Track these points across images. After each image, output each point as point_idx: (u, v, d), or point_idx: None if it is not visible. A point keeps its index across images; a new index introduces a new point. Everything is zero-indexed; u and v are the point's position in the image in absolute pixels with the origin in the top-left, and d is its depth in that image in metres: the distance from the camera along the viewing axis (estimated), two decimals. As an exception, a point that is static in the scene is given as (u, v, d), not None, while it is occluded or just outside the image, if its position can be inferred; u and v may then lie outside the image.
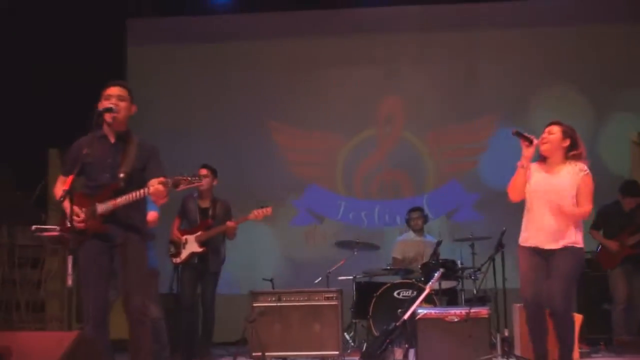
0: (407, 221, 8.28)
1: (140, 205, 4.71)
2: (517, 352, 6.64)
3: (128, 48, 9.58)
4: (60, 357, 3.43)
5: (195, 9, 9.44)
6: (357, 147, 9.53)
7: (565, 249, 5.08)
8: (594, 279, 7.69)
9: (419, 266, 7.63)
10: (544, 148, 5.22)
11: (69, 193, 4.32)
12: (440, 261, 7.37)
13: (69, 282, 4.28)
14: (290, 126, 9.55)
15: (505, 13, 9.38)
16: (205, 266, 7.15)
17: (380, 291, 7.27)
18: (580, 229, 5.19)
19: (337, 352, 6.77)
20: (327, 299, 6.88)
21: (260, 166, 9.34)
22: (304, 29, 9.60)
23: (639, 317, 7.40)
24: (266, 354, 6.57)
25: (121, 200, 4.54)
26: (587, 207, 5.14)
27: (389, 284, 7.33)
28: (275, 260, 9.10)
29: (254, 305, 6.88)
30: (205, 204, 7.30)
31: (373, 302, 7.23)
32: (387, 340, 6.41)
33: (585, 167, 5.19)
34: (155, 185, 4.47)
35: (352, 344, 7.43)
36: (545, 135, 5.25)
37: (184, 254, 7.14)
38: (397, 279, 7.54)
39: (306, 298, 6.90)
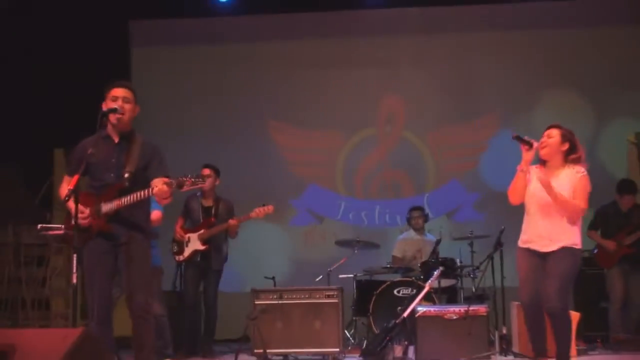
0: (408, 220, 8.30)
1: (144, 205, 4.72)
2: (515, 349, 6.66)
3: (131, 49, 9.59)
4: (65, 354, 3.43)
5: (197, 11, 9.44)
6: (357, 146, 9.49)
7: (562, 250, 5.08)
8: (592, 278, 7.70)
9: (419, 264, 7.64)
10: (543, 152, 5.21)
11: (74, 192, 4.33)
12: (440, 259, 7.38)
13: (74, 280, 4.28)
14: (290, 126, 9.53)
15: (504, 15, 9.35)
16: (208, 264, 7.17)
17: (380, 289, 7.28)
18: (578, 230, 5.18)
19: (337, 349, 6.77)
20: (328, 296, 6.88)
21: (261, 166, 9.31)
22: (304, 31, 9.59)
23: (635, 316, 7.40)
24: (268, 350, 6.58)
25: (125, 199, 4.55)
26: (580, 203, 5.12)
27: (389, 282, 7.34)
28: (276, 258, 9.09)
29: (256, 302, 6.87)
30: (208, 203, 7.32)
31: (373, 299, 7.24)
32: (387, 338, 6.41)
33: (583, 170, 5.18)
34: (159, 185, 4.47)
35: (353, 341, 7.44)
36: (544, 139, 5.23)
37: (187, 252, 7.16)
38: (397, 277, 7.55)
39: (307, 296, 6.90)
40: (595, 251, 7.61)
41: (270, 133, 9.51)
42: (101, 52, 8.60)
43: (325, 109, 9.45)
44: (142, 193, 4.53)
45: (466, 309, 6.50)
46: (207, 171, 7.18)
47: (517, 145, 5.23)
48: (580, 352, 6.61)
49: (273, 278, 7.68)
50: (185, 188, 4.55)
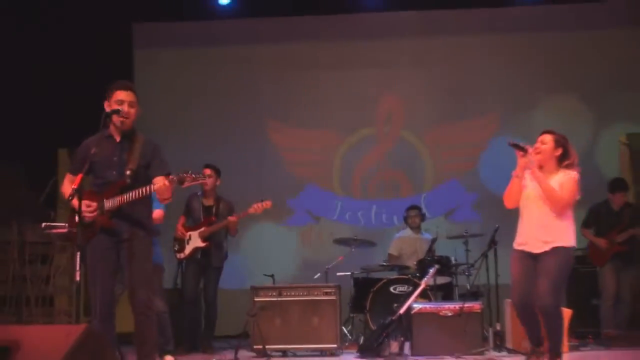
0: (405, 219, 8.31)
1: (146, 202, 4.73)
2: (509, 345, 6.66)
3: (134, 51, 9.59)
4: (68, 350, 3.43)
5: (198, 14, 9.45)
6: (355, 146, 9.46)
7: (554, 250, 5.11)
8: (583, 275, 7.72)
9: (415, 262, 7.64)
10: (537, 158, 5.24)
11: (78, 191, 4.34)
12: (436, 258, 7.39)
13: (77, 277, 4.29)
14: (289, 126, 9.50)
15: (502, 18, 9.33)
16: (208, 261, 7.18)
17: (377, 286, 7.28)
18: (572, 230, 5.21)
19: (335, 345, 6.78)
20: (326, 294, 6.89)
21: (260, 166, 9.29)
22: (303, 34, 9.58)
23: (625, 312, 7.43)
24: (267, 346, 6.59)
25: (127, 196, 4.56)
26: (564, 195, 5.14)
27: (385, 280, 7.34)
28: (275, 257, 9.08)
29: (255, 299, 6.88)
30: (209, 202, 7.33)
31: (370, 297, 7.24)
32: (384, 334, 6.44)
33: (575, 173, 5.20)
34: (160, 182, 4.49)
35: (350, 337, 7.44)
36: (538, 144, 5.27)
37: (188, 249, 7.17)
38: (394, 275, 7.55)
39: (306, 293, 6.91)
40: (588, 249, 7.62)
41: (269, 133, 9.50)
42: (104, 54, 8.61)
43: (323, 110, 9.43)
44: (143, 190, 4.54)
45: (461, 306, 6.52)
46: (208, 171, 7.18)
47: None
48: (572, 348, 6.62)
49: (272, 276, 7.68)
50: (186, 184, 4.56)
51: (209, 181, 7.18)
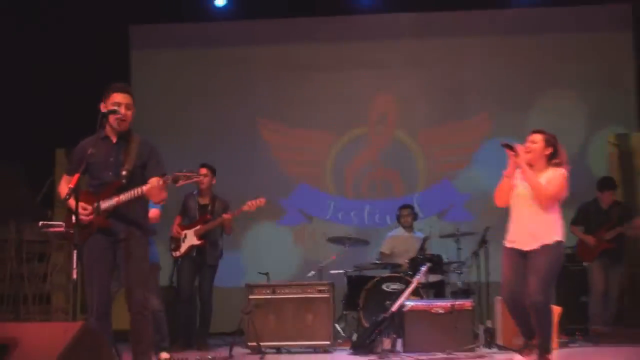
0: (398, 218, 8.32)
1: (142, 202, 4.73)
2: (499, 342, 6.68)
3: (131, 52, 9.58)
4: (65, 347, 3.44)
5: (195, 15, 9.44)
6: (348, 146, 9.42)
7: (543, 247, 5.15)
8: (572, 273, 7.76)
9: (407, 261, 7.66)
10: (527, 157, 5.28)
11: (75, 191, 4.34)
12: (427, 256, 7.41)
13: (74, 275, 4.29)
14: (283, 126, 9.47)
15: (496, 20, 9.33)
16: (203, 259, 7.19)
17: (370, 284, 7.29)
18: (559, 226, 5.25)
19: (328, 342, 6.80)
20: (320, 291, 6.91)
21: (255, 166, 9.25)
22: (299, 35, 9.56)
23: (612, 309, 7.47)
24: (261, 343, 6.60)
25: (123, 197, 4.56)
26: (551, 189, 5.18)
27: (378, 278, 7.35)
28: (270, 255, 9.08)
29: (250, 297, 6.90)
30: (205, 200, 7.34)
31: (363, 294, 7.25)
32: (376, 331, 6.45)
33: (564, 171, 5.24)
34: (152, 183, 4.49)
35: (343, 334, 7.44)
36: (528, 144, 5.32)
37: (184, 247, 7.18)
38: (386, 273, 7.56)
39: (300, 291, 6.93)
40: (577, 246, 7.65)
41: (263, 133, 9.46)
42: (102, 55, 8.60)
43: (317, 110, 9.40)
44: (136, 191, 4.54)
45: (452, 303, 6.54)
46: (204, 170, 7.20)
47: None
48: (561, 345, 6.65)
49: (267, 274, 7.69)
50: (181, 182, 4.56)
51: (205, 180, 7.19)
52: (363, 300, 7.23)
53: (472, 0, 9.03)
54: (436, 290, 7.56)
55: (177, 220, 7.35)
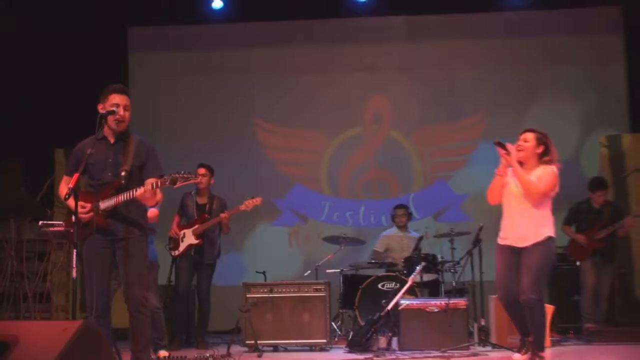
0: (393, 217, 8.31)
1: (140, 202, 4.71)
2: (493, 340, 6.69)
3: (129, 54, 9.56)
4: (65, 345, 3.42)
5: (192, 18, 9.42)
6: (342, 146, 9.37)
7: (536, 245, 5.18)
8: (565, 273, 7.77)
9: (402, 260, 7.65)
10: (520, 155, 5.30)
11: (74, 191, 4.33)
12: (422, 255, 7.40)
13: (74, 274, 4.28)
14: (279, 127, 9.44)
15: (490, 23, 9.32)
16: (201, 258, 7.17)
17: (365, 283, 7.29)
18: (551, 222, 5.29)
19: (325, 340, 6.79)
20: (316, 290, 6.90)
21: (248, 166, 9.19)
22: (294, 38, 9.53)
23: (603, 307, 7.48)
24: (258, 341, 6.58)
25: (122, 197, 4.55)
26: (540, 185, 5.21)
27: (374, 277, 7.34)
28: (267, 254, 9.06)
29: (247, 296, 6.89)
30: (203, 200, 7.32)
31: (359, 293, 7.25)
32: (372, 329, 6.45)
33: (554, 168, 5.27)
34: (146, 186, 4.48)
35: (339, 332, 7.44)
36: (520, 142, 5.36)
37: (182, 246, 7.16)
38: (382, 272, 7.55)
39: (296, 289, 6.92)
40: (569, 245, 7.65)
41: (259, 133, 9.43)
42: (100, 57, 8.58)
43: (312, 111, 9.36)
44: (130, 193, 4.52)
45: (447, 302, 6.54)
46: (202, 170, 7.19)
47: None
48: (554, 343, 6.66)
49: (264, 273, 7.68)
50: (179, 184, 4.55)
51: (204, 180, 7.18)
52: (359, 299, 7.22)
53: (465, 4, 9.02)
54: (431, 289, 7.56)
55: (176, 219, 7.33)
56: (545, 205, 5.26)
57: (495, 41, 9.30)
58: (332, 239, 7.97)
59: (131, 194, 4.53)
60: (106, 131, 4.71)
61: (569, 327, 7.46)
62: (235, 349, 6.60)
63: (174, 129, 9.28)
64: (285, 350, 6.82)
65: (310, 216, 9.33)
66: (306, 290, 6.90)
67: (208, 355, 6.05)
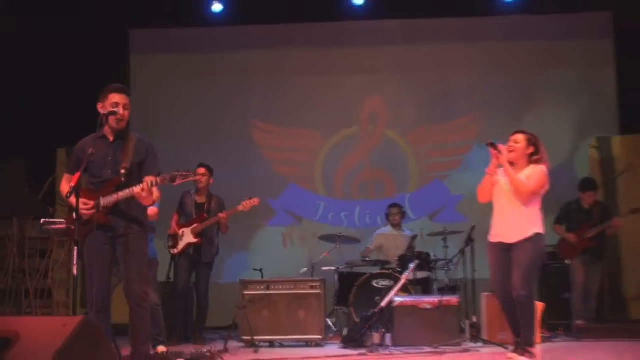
0: (387, 216, 8.32)
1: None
2: (484, 336, 6.70)
3: (130, 56, 9.56)
4: (65, 340, 3.43)
5: (192, 21, 9.43)
6: (338, 145, 9.35)
7: (525, 242, 5.23)
8: (555, 271, 7.78)
9: (396, 258, 7.66)
10: (511, 156, 5.34)
11: (76, 189, 4.34)
12: (416, 253, 7.42)
13: (75, 271, 4.28)
14: (275, 127, 9.42)
15: (484, 26, 9.32)
16: (200, 256, 7.18)
17: (360, 281, 7.29)
18: (540, 220, 5.32)
19: (320, 337, 6.80)
20: (312, 287, 6.91)
21: (244, 166, 9.17)
22: (292, 40, 9.52)
23: (593, 304, 7.50)
24: (255, 337, 6.59)
25: (122, 194, 4.56)
26: (529, 184, 5.24)
27: (368, 274, 7.35)
28: (264, 253, 9.07)
29: (244, 293, 6.89)
30: (202, 199, 7.33)
31: (353, 290, 7.25)
32: (366, 326, 6.47)
33: (543, 167, 5.31)
34: (139, 187, 4.48)
35: (334, 329, 7.45)
36: (511, 143, 5.41)
37: (181, 245, 7.17)
38: (376, 270, 7.57)
39: (292, 287, 6.93)
40: (559, 244, 7.67)
41: (254, 133, 9.41)
42: (102, 58, 8.58)
43: (308, 111, 9.35)
44: (129, 191, 4.53)
45: (439, 299, 6.55)
46: (202, 170, 7.21)
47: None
48: (544, 339, 6.67)
49: (261, 270, 7.69)
50: (178, 181, 4.56)
51: (203, 179, 7.19)
52: (353, 296, 7.23)
53: (460, 8, 9.04)
54: (424, 286, 7.57)
55: (175, 217, 7.34)
56: (534, 203, 5.30)
57: (489, 44, 9.31)
58: (327, 237, 7.98)
59: (131, 191, 4.54)
60: (106, 130, 4.73)
61: (559, 324, 7.48)
62: (232, 344, 6.62)
63: (173, 129, 9.28)
64: (281, 346, 6.83)
65: (304, 216, 9.32)
66: (302, 287, 6.92)
67: (205, 350, 6.05)
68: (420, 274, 7.40)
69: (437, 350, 6.18)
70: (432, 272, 7.58)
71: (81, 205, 4.45)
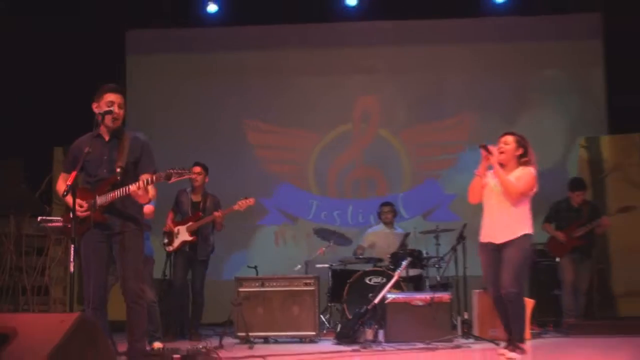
0: (379, 214, 8.33)
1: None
2: (475, 332, 6.72)
3: (127, 56, 9.54)
4: (62, 337, 3.42)
5: (188, 21, 9.43)
6: (331, 144, 9.34)
7: (514, 241, 5.26)
8: (545, 268, 7.83)
9: (389, 255, 7.67)
10: (501, 158, 5.36)
11: (72, 188, 4.33)
12: (408, 251, 7.43)
13: (71, 268, 4.28)
14: (269, 126, 9.42)
15: (478, 27, 9.34)
16: (195, 254, 7.19)
17: (353, 278, 7.30)
18: (529, 220, 5.34)
19: (314, 333, 6.81)
20: (306, 284, 6.92)
21: (237, 165, 9.17)
22: (287, 41, 9.51)
23: (582, 302, 7.53)
24: (250, 334, 6.60)
25: (118, 192, 4.55)
26: (519, 185, 5.27)
27: (361, 272, 7.36)
28: (258, 251, 9.07)
29: (239, 290, 6.90)
30: (197, 198, 7.33)
31: (347, 287, 7.26)
32: (359, 322, 6.48)
33: (532, 169, 5.33)
34: (135, 185, 4.48)
35: (328, 325, 7.46)
36: (501, 145, 5.42)
37: (176, 242, 7.17)
38: (369, 267, 7.58)
39: (287, 284, 6.94)
40: (548, 242, 7.70)
41: (248, 133, 9.41)
42: (98, 58, 8.56)
43: (302, 111, 9.35)
44: (124, 190, 4.52)
45: (431, 296, 6.57)
46: (198, 169, 7.20)
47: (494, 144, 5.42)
48: (534, 336, 6.70)
49: (255, 267, 7.69)
50: (173, 179, 4.54)
51: (199, 178, 7.19)
52: (347, 293, 7.24)
53: (451, 9, 9.05)
54: (416, 283, 7.58)
55: (170, 215, 7.34)
56: (523, 204, 5.32)
57: (481, 45, 9.33)
58: (321, 232, 7.95)
59: (127, 189, 4.53)
60: (102, 129, 4.71)
61: (549, 321, 7.51)
62: (228, 340, 6.62)
63: (169, 129, 9.26)
64: (276, 342, 6.84)
65: (297, 215, 9.30)
66: (296, 284, 6.93)
67: (201, 346, 6.04)
68: (413, 272, 7.41)
69: (429, 346, 6.20)
70: (424, 270, 7.60)
71: (77, 208, 4.43)
